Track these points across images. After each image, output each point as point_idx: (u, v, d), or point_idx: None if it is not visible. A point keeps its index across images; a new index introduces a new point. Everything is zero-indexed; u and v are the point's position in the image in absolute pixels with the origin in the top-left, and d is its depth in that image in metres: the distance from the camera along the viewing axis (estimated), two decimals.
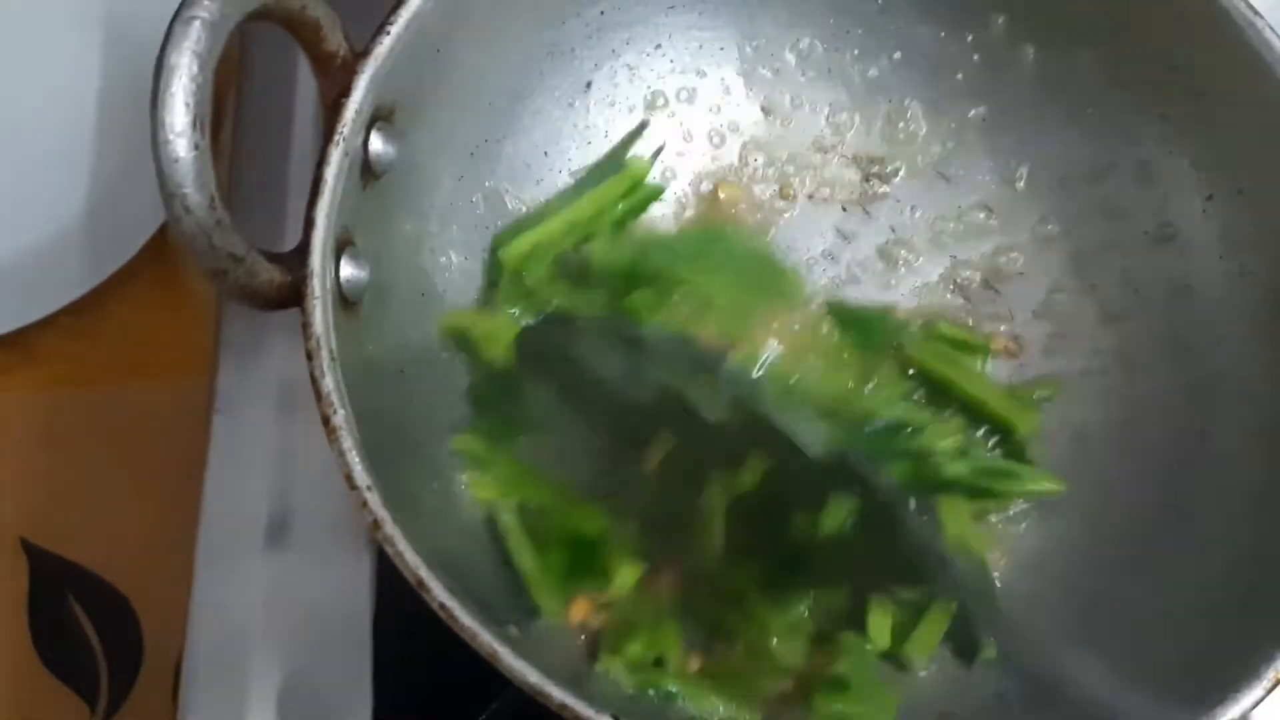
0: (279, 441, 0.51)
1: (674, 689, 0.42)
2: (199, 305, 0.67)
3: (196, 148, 0.35)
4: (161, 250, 0.67)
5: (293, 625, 0.48)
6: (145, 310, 0.66)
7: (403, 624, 0.49)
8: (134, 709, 0.61)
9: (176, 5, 0.66)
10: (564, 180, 0.51)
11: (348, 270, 0.41)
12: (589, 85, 0.52)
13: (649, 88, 0.53)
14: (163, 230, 0.66)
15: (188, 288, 0.68)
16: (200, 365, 0.65)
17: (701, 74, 0.53)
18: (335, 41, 0.41)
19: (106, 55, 0.70)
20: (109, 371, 0.66)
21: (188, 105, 0.34)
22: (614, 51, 0.52)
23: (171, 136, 0.34)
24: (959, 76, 0.52)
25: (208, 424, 0.52)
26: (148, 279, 0.66)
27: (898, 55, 0.53)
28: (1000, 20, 0.51)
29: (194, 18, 0.35)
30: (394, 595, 0.49)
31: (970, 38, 0.51)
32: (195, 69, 0.34)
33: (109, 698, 0.61)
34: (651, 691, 0.43)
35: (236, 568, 0.49)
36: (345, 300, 0.41)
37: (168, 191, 0.35)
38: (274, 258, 0.39)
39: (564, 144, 0.52)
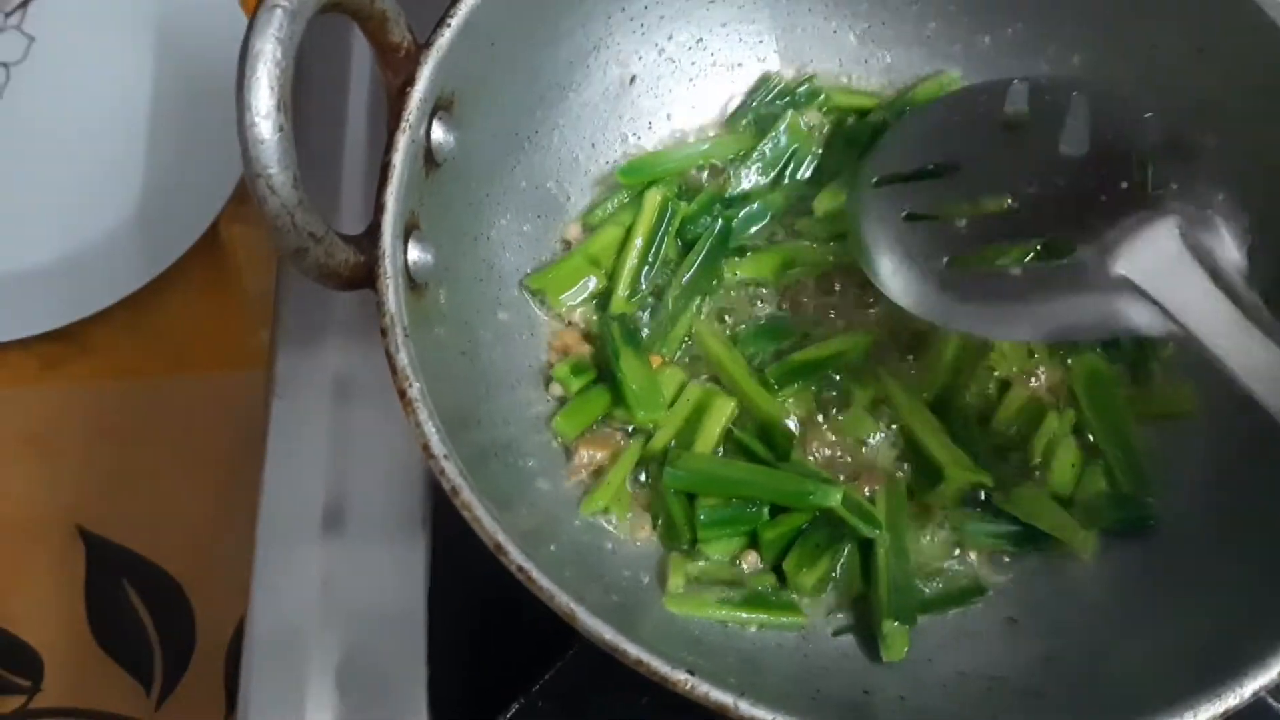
0: (334, 427, 0.53)
1: None
2: (247, 300, 0.70)
3: (280, 129, 0.36)
4: (211, 248, 0.69)
5: (350, 605, 0.50)
6: (196, 305, 0.69)
7: (457, 602, 0.51)
8: (187, 690, 0.63)
9: (224, 18, 0.70)
10: (610, 170, 0.53)
11: (414, 253, 0.42)
12: (633, 79, 0.53)
13: (690, 80, 0.54)
14: (212, 229, 0.68)
15: (236, 284, 0.70)
16: (248, 358, 0.67)
17: (740, 65, 0.55)
18: (400, 33, 0.43)
19: (157, 65, 0.73)
20: (161, 363, 0.68)
21: (272, 89, 0.36)
22: (657, 45, 0.53)
23: (258, 119, 0.36)
24: (994, 65, 0.54)
25: (267, 408, 0.53)
26: (198, 275, 0.69)
27: (930, 33, 0.54)
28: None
29: (276, 6, 0.36)
30: (448, 575, 0.51)
31: (1008, 31, 0.53)
32: (279, 55, 0.36)
33: (163, 679, 0.63)
34: None
35: (296, 549, 0.50)
36: (412, 282, 0.42)
37: (253, 173, 0.36)
38: (347, 239, 0.41)
39: (610, 135, 0.53)
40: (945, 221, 0.46)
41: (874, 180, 0.49)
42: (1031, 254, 0.47)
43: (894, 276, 0.46)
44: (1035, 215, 0.45)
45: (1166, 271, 0.42)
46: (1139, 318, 0.42)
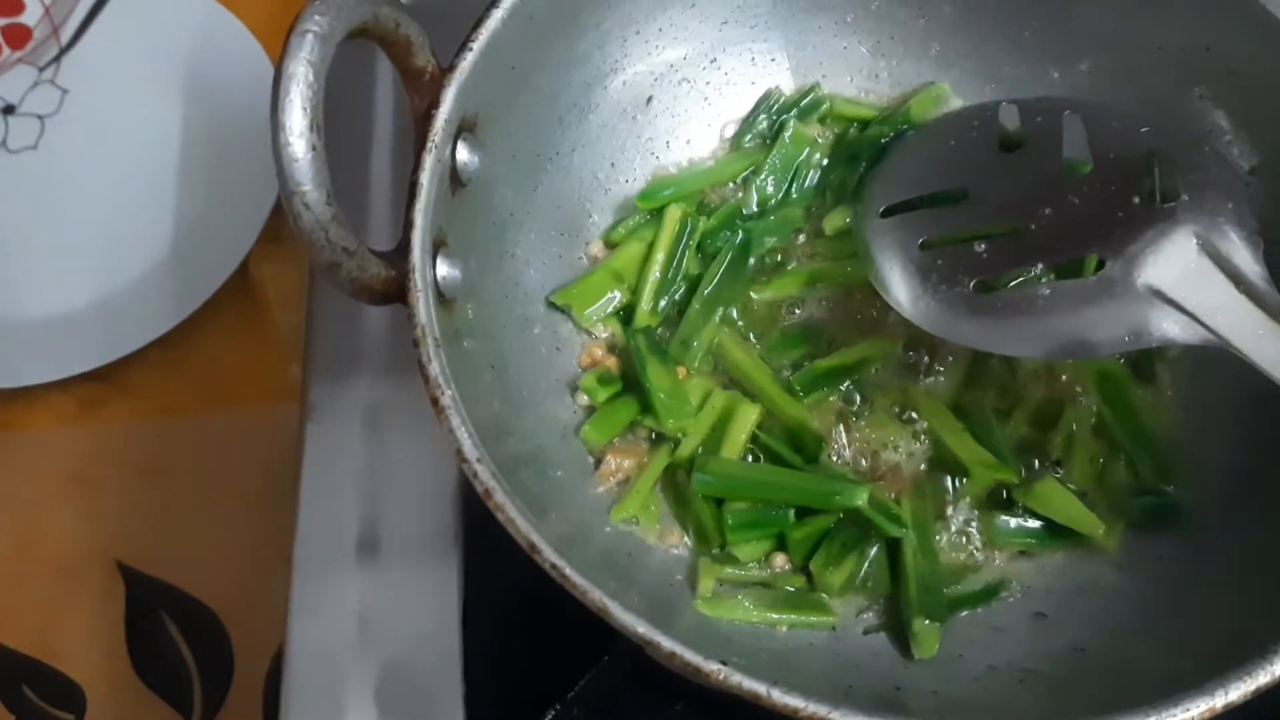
0: (367, 454, 0.54)
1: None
2: (278, 335, 0.71)
3: (313, 149, 0.37)
4: (242, 286, 0.70)
5: (386, 629, 0.51)
6: (229, 342, 0.70)
7: (491, 616, 0.52)
8: None
9: (250, 66, 0.72)
10: (630, 189, 0.54)
11: (443, 269, 0.44)
12: (650, 99, 0.55)
13: (705, 99, 0.56)
14: (242, 268, 0.69)
15: (267, 320, 0.71)
16: (280, 392, 0.69)
17: (754, 84, 0.56)
18: (424, 58, 0.44)
19: (186, 113, 0.75)
20: (196, 400, 0.69)
21: (305, 110, 0.37)
22: (672, 66, 0.55)
23: (291, 139, 0.37)
24: (1004, 74, 0.55)
25: (300, 436, 0.54)
26: (230, 313, 0.70)
27: (938, 45, 0.55)
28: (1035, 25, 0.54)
29: (307, 31, 0.38)
30: (481, 591, 0.52)
31: (1017, 39, 0.54)
32: (310, 77, 0.37)
33: (203, 710, 0.64)
34: None
35: (331, 575, 0.52)
36: (441, 297, 0.43)
37: (288, 190, 0.38)
38: (378, 255, 0.42)
39: (629, 154, 0.55)
40: (964, 247, 0.47)
41: (880, 210, 0.50)
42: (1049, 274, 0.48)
43: (917, 303, 0.47)
44: (1055, 235, 0.46)
45: (1191, 280, 0.43)
46: (1170, 328, 0.43)
